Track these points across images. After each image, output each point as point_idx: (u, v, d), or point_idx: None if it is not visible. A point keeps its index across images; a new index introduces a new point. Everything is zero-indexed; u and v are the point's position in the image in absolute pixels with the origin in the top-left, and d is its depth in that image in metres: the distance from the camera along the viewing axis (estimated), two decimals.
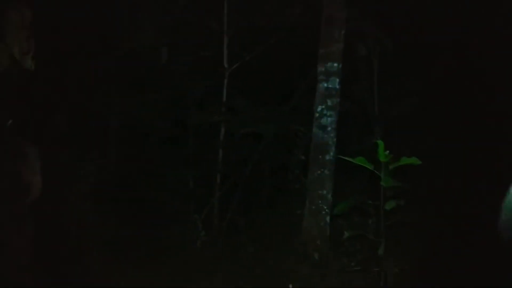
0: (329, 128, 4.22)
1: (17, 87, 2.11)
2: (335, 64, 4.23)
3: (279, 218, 4.78)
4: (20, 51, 1.89)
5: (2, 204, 2.43)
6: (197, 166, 5.26)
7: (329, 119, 4.22)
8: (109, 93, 5.35)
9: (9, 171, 2.48)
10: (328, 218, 4.10)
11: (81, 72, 4.90)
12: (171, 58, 5.07)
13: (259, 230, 4.70)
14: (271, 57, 5.29)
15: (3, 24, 1.83)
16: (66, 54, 4.62)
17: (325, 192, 4.15)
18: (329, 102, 4.23)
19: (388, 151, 3.03)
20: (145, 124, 5.37)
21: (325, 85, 4.24)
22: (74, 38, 4.59)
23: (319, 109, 4.25)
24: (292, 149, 5.09)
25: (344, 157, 3.22)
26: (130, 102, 5.25)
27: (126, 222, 5.06)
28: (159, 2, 4.92)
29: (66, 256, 4.07)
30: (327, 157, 4.19)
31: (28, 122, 2.84)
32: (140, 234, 5.11)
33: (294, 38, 5.18)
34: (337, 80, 4.24)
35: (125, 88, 5.52)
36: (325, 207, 4.13)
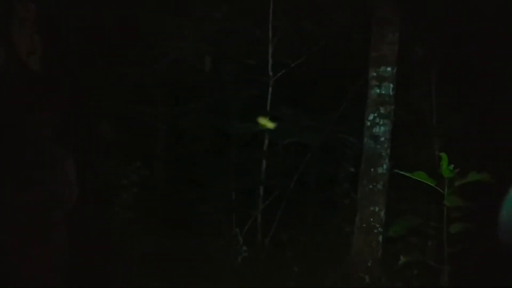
0: (382, 138, 3.86)
1: (20, 88, 1.98)
2: (389, 69, 3.88)
3: (326, 235, 4.44)
4: (25, 50, 1.75)
5: (31, 215, 2.30)
6: (239, 177, 5.05)
7: (382, 128, 3.86)
8: (153, 102, 5.30)
9: (39, 180, 2.35)
10: (380, 238, 3.73)
11: (126, 81, 4.88)
12: (215, 66, 4.92)
13: (304, 247, 4.39)
14: (317, 63, 5.01)
15: (8, 20, 1.68)
16: (111, 62, 4.61)
17: (377, 209, 3.79)
18: (382, 110, 3.88)
19: (452, 166, 2.64)
20: (188, 134, 5.27)
21: (378, 91, 3.89)
22: (120, 47, 4.57)
23: (370, 117, 3.90)
24: (340, 160, 4.77)
25: (399, 171, 2.86)
26: (173, 111, 5.18)
27: (167, 234, 4.98)
28: (203, 10, 4.79)
29: (105, 266, 4.03)
30: (380, 170, 3.83)
31: (63, 129, 2.73)
32: (181, 246, 5.00)
33: (342, 42, 4.87)
34: (391, 85, 3.89)
35: (169, 97, 5.46)
36: (378, 226, 3.77)
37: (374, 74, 3.90)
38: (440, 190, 2.69)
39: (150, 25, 4.57)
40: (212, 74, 4.84)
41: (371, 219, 3.77)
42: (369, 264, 3.70)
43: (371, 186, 3.82)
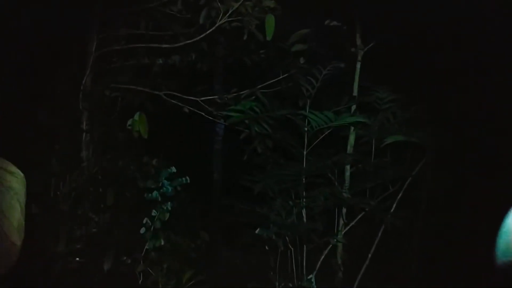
0: None
1: None
2: None
3: (446, 277, 2.82)
4: None
5: None
6: (313, 189, 3.62)
7: None
8: (195, 87, 4.10)
9: None
10: None
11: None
12: (280, 34, 3.50)
13: None
14: (431, 26, 3.44)
15: None
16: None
17: None
18: None
19: None
20: (244, 129, 3.94)
21: None
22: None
23: None
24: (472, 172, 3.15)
25: None
26: (222, 99, 3.90)
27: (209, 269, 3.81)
28: None
29: None
30: None
31: None
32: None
33: None
34: None
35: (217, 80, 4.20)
36: None
37: None
38: None
39: None
40: (273, 43, 3.44)
41: None
42: None
43: None
